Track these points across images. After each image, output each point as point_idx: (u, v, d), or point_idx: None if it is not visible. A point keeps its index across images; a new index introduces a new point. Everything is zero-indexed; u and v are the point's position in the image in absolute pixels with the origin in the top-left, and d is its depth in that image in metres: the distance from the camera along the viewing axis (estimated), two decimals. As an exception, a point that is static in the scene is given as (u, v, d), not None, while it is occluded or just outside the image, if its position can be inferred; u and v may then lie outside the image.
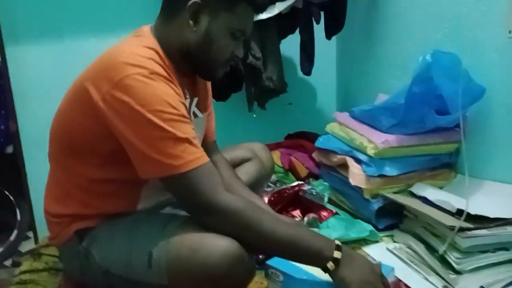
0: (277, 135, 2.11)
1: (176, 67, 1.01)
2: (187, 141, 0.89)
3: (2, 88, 2.26)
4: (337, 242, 0.93)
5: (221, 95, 2.04)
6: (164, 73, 0.93)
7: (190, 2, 0.95)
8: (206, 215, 0.91)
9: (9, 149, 2.55)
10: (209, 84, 1.26)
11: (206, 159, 0.92)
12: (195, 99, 1.14)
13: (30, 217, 2.30)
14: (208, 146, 1.24)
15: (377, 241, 1.32)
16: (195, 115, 1.13)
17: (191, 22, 0.97)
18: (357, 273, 0.90)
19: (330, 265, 0.90)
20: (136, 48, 0.95)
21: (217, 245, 0.89)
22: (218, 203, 0.90)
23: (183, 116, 0.92)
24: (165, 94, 0.90)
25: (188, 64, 1.04)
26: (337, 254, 0.90)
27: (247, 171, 1.38)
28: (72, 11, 2.09)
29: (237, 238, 0.90)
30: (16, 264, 2.11)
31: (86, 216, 1.04)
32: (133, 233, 0.98)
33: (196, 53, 1.00)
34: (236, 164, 1.39)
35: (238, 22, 0.99)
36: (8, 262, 2.41)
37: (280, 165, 1.95)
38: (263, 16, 1.83)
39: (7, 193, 2.56)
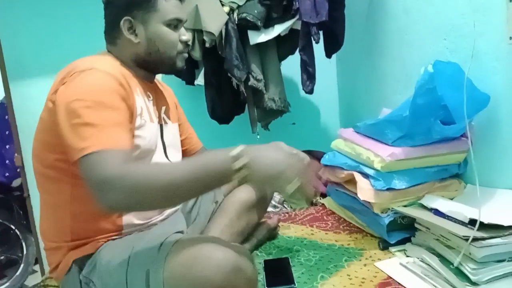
0: (282, 155, 2.10)
1: (135, 73, 1.13)
2: (97, 127, 0.92)
3: (8, 123, 2.29)
4: (236, 150, 0.90)
5: (224, 118, 2.05)
6: (107, 68, 1.02)
7: (121, 22, 1.09)
8: (107, 193, 0.87)
9: (16, 183, 2.56)
10: (173, 97, 1.37)
11: (114, 144, 0.91)
12: (163, 108, 1.25)
13: (37, 250, 2.29)
14: (199, 152, 1.40)
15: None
16: (165, 122, 1.24)
17: (131, 37, 1.11)
18: (272, 167, 0.90)
19: (242, 173, 0.89)
20: (89, 58, 1.08)
21: (211, 259, 0.89)
22: (110, 175, 0.87)
23: (104, 104, 0.96)
24: (94, 84, 0.98)
25: (148, 69, 1.16)
26: (241, 160, 0.88)
27: (246, 189, 1.39)
28: (74, 46, 2.13)
29: (146, 202, 0.89)
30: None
31: (80, 236, 1.06)
32: (131, 256, 0.99)
33: (149, 58, 1.13)
34: (235, 185, 1.40)
35: (166, 14, 1.11)
36: (14, 297, 2.39)
37: (287, 185, 1.94)
38: (263, 38, 1.85)
39: (13, 227, 2.56)
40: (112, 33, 1.14)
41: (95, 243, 1.06)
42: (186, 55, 1.19)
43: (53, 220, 1.10)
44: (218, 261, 0.89)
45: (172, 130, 1.26)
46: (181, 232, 1.18)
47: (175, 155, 1.26)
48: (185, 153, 1.37)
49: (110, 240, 1.07)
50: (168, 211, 1.21)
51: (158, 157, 1.17)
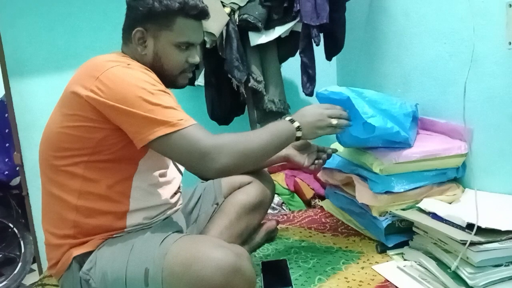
0: (281, 157, 2.09)
1: None
2: (172, 108, 1.00)
3: (7, 121, 2.29)
4: (287, 118, 1.15)
5: (223, 119, 2.05)
6: (139, 65, 1.08)
7: (133, 32, 1.11)
8: (204, 160, 0.98)
9: (15, 182, 2.56)
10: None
11: (193, 121, 1.01)
12: None
13: (35, 249, 2.28)
14: None
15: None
16: None
17: (139, 48, 1.12)
18: (310, 122, 1.15)
19: (298, 134, 1.13)
20: (111, 56, 1.10)
21: (210, 259, 0.90)
22: (209, 146, 0.98)
23: (164, 91, 1.03)
24: (143, 76, 1.03)
25: None
26: (296, 123, 1.13)
27: (247, 192, 1.38)
28: (73, 44, 2.14)
29: (248, 163, 1.04)
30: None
31: (82, 232, 1.06)
32: (131, 254, 0.99)
33: (153, 69, 1.11)
34: (235, 188, 1.40)
35: (178, 36, 1.11)
36: (12, 296, 2.38)
37: (286, 187, 1.94)
38: (263, 40, 1.85)
39: (11, 225, 2.56)
40: (126, 35, 1.15)
41: (96, 241, 1.06)
42: (190, 74, 1.18)
43: (57, 214, 1.08)
44: (217, 261, 0.90)
45: None
46: (181, 231, 1.19)
47: None
48: None
49: (110, 238, 1.07)
50: (169, 211, 1.21)
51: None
